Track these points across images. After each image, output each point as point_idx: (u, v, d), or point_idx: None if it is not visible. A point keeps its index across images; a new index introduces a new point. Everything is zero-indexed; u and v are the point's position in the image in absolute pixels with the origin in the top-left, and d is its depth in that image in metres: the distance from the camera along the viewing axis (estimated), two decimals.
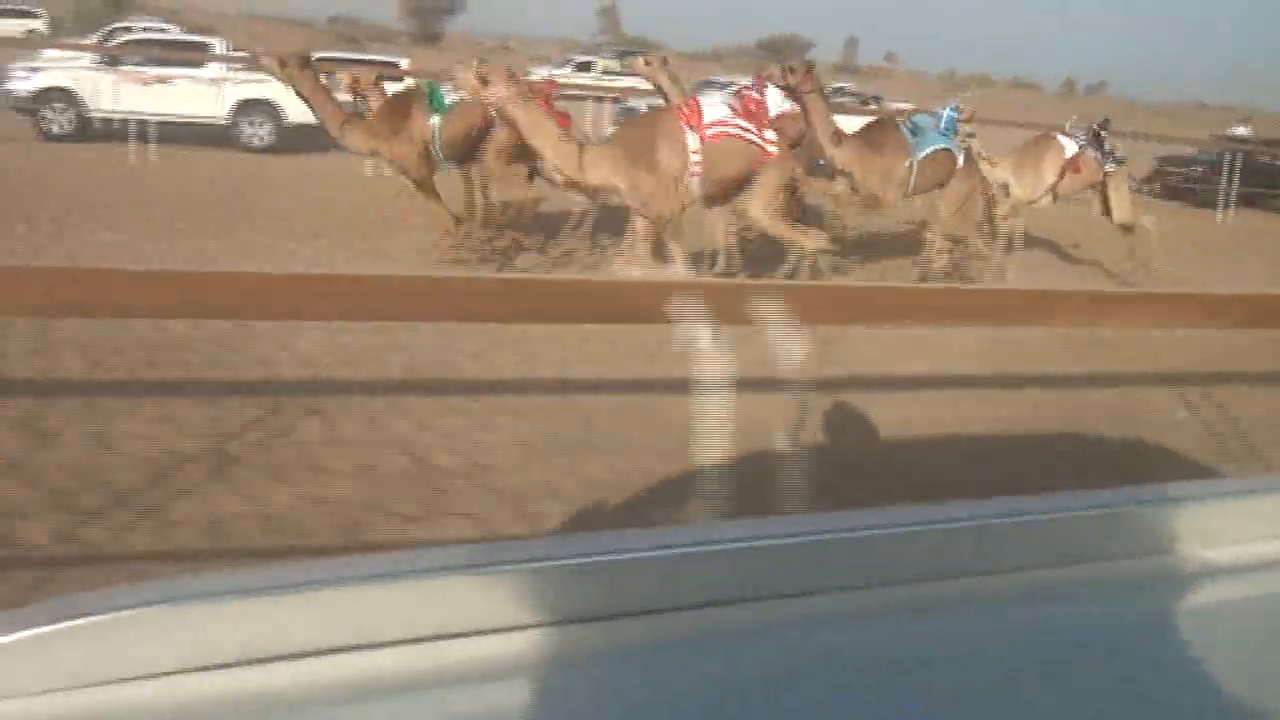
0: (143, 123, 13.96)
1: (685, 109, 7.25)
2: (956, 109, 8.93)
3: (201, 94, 15.45)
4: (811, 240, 7.58)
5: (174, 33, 19.53)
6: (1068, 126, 10.09)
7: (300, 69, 8.08)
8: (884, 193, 8.44)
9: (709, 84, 19.89)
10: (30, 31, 28.15)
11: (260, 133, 15.95)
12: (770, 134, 7.21)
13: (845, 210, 9.13)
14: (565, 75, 26.07)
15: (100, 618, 0.69)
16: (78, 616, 0.69)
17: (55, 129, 14.73)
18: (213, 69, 15.77)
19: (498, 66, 7.13)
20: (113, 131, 14.46)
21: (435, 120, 8.33)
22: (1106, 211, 9.93)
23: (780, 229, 7.46)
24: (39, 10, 31.92)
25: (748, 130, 7.13)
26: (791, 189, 7.47)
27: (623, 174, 6.98)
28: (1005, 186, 9.51)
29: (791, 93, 7.95)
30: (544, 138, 6.89)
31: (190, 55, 15.94)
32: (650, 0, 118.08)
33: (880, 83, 44.17)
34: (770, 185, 7.22)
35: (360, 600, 0.75)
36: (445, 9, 57.82)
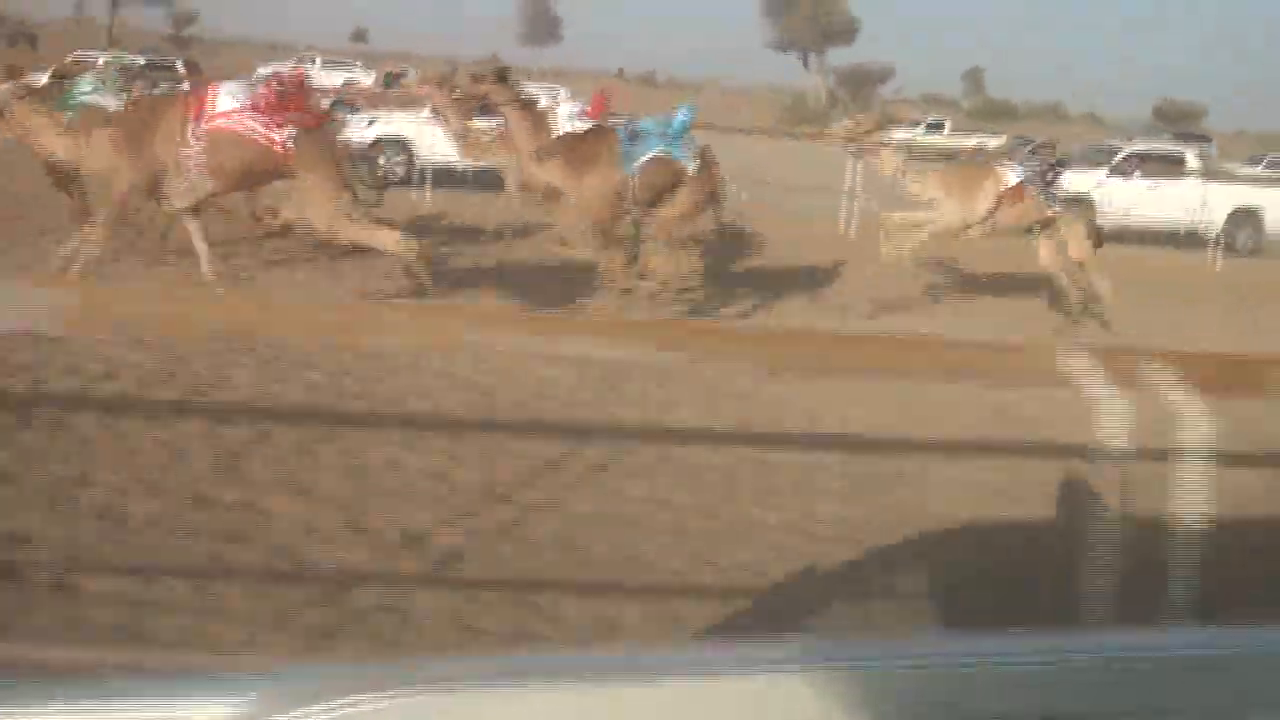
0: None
1: (196, 97, 6.80)
2: (690, 111, 8.41)
3: None
4: (393, 240, 6.93)
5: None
6: (1019, 156, 9.40)
7: None
8: (596, 208, 7.78)
9: (1096, 150, 19.16)
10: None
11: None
12: (287, 131, 6.64)
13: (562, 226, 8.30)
14: (918, 136, 25.35)
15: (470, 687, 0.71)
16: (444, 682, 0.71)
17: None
18: None
19: None
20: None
21: (68, 115, 7.56)
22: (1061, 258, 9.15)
23: (354, 233, 6.91)
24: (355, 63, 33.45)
25: (254, 125, 6.62)
26: (345, 185, 6.88)
27: (103, 156, 6.56)
28: (931, 203, 9.03)
29: (488, 103, 7.71)
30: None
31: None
32: (1022, 64, 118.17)
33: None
34: (313, 192, 6.71)
35: (717, 690, 0.74)
36: (878, 79, 63.13)
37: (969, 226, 9.03)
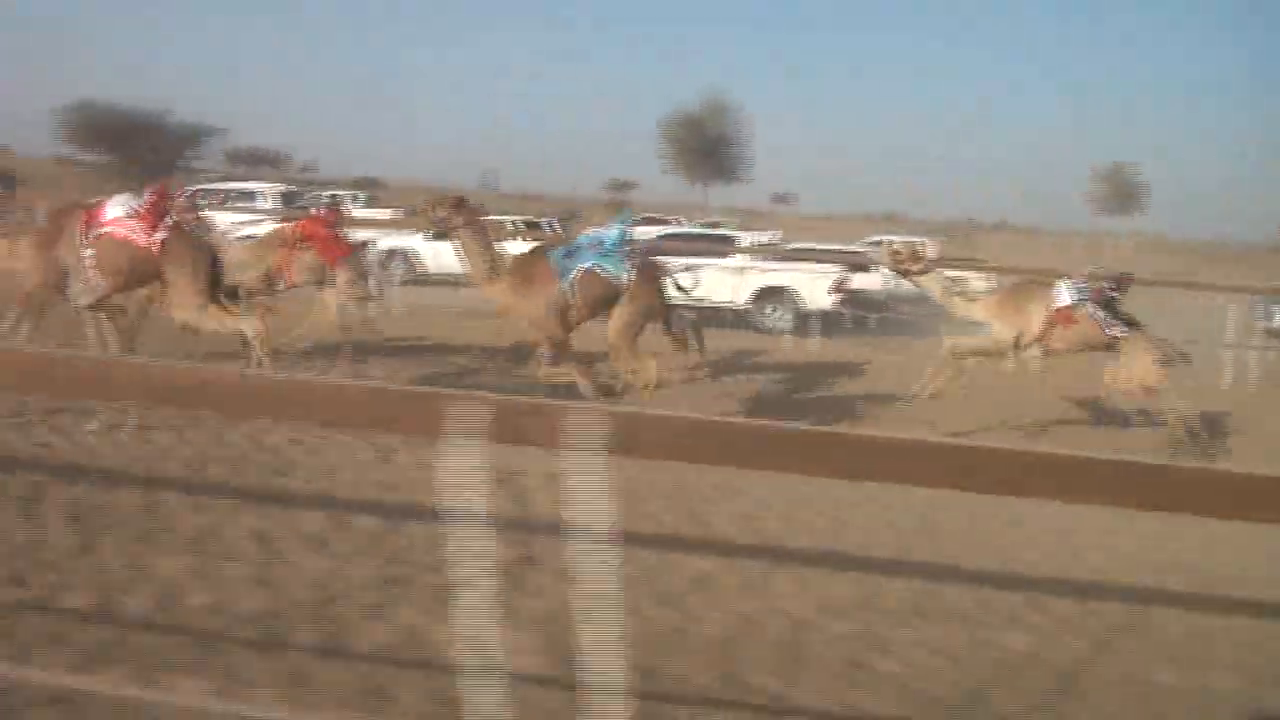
0: None
1: (91, 209, 7.59)
2: (626, 222, 8.47)
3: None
4: (248, 323, 7.56)
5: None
6: (1076, 276, 9.00)
7: None
8: (546, 324, 8.03)
9: None
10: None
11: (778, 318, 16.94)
12: (160, 234, 7.42)
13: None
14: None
15: None
16: None
17: None
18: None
19: None
20: None
21: None
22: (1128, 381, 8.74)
23: (210, 321, 7.54)
24: None
25: (135, 230, 7.43)
26: (214, 280, 7.60)
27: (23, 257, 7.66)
28: (985, 325, 9.09)
29: (446, 226, 8.11)
30: None
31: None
32: None
33: None
34: (176, 285, 7.48)
35: None
36: None
37: (1019, 348, 8.92)
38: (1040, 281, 9.44)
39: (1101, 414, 10.08)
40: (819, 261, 17.80)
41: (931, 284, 9.19)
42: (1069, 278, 9.03)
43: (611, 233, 8.20)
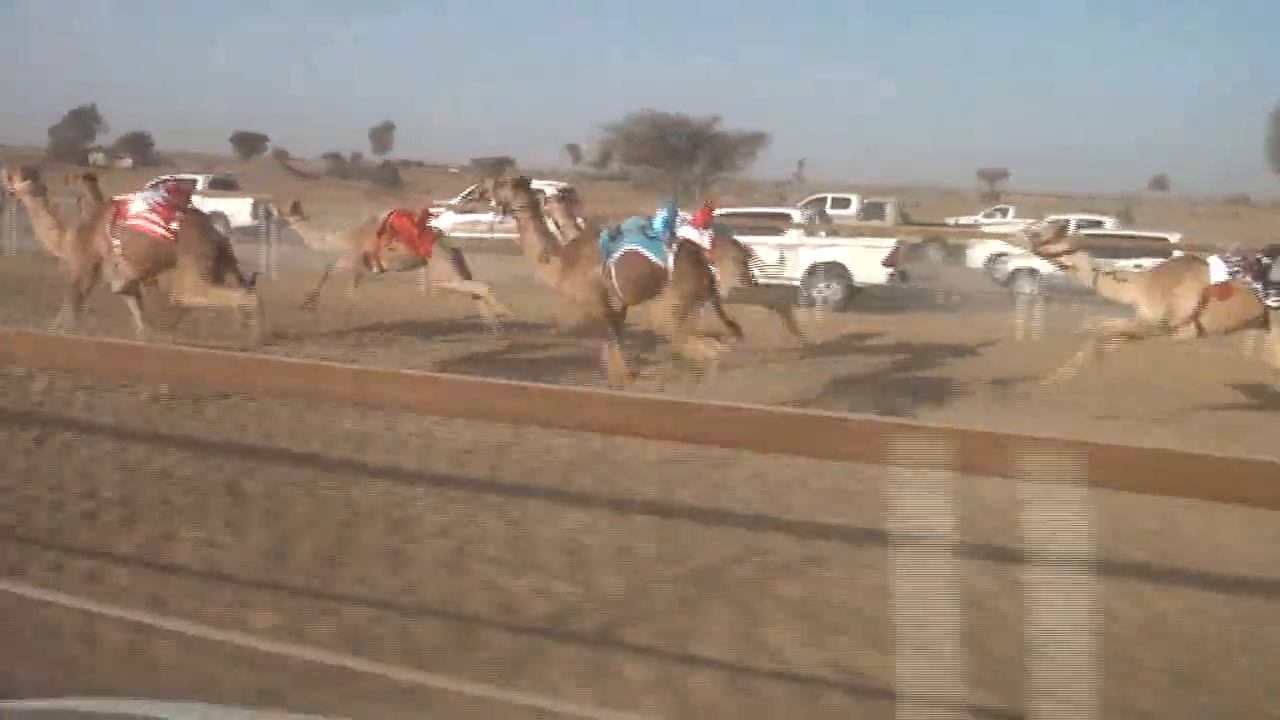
0: None
1: (119, 204, 8.40)
2: (672, 209, 8.39)
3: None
4: (240, 298, 8.17)
5: None
6: (1228, 251, 8.63)
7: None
8: (580, 300, 8.42)
9: None
10: None
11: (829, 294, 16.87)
12: (174, 224, 8.15)
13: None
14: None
15: None
16: None
17: None
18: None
19: None
20: None
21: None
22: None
23: (202, 298, 8.21)
24: None
25: (155, 222, 8.16)
26: (217, 267, 8.17)
27: (60, 244, 8.80)
28: (1132, 307, 8.66)
29: (505, 209, 8.64)
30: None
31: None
32: None
33: None
34: (186, 268, 8.11)
35: None
36: None
37: (1172, 328, 8.55)
38: (1192, 258, 9.06)
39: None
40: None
41: (1080, 265, 8.80)
42: (1221, 253, 8.68)
43: (657, 219, 8.33)
